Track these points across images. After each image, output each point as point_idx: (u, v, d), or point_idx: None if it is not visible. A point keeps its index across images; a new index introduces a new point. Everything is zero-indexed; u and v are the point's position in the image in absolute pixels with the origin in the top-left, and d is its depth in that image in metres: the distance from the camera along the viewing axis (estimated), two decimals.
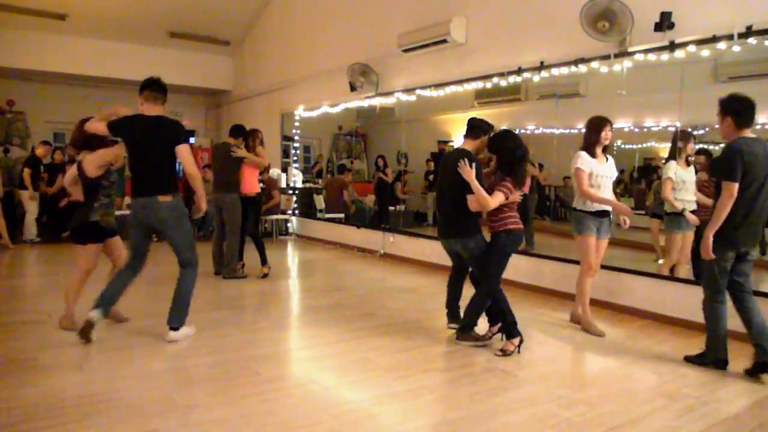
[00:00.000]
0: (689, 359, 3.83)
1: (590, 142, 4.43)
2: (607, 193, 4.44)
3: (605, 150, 4.51)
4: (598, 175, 4.39)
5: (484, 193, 3.93)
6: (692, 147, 5.08)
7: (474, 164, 3.98)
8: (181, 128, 4.02)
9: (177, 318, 4.03)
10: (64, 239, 8.80)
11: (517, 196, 4.03)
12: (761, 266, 5.17)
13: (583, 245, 4.47)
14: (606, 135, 4.40)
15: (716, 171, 3.66)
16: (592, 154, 4.41)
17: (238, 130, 6.47)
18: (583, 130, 4.50)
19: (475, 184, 3.93)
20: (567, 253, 6.18)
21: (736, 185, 3.49)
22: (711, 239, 3.56)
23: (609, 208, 4.47)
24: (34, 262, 7.40)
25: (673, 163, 5.02)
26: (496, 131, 4.26)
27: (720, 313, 3.68)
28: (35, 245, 8.37)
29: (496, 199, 3.93)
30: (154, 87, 4.01)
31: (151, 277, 6.04)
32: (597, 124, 4.42)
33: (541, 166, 7.34)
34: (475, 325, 4.23)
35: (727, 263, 3.63)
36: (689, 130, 5.21)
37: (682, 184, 4.96)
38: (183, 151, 3.94)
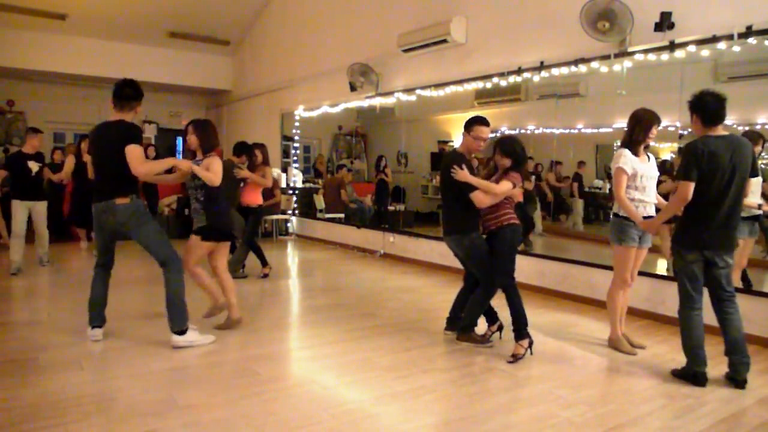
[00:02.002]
0: (675, 373, 3.65)
1: (635, 139, 3.91)
2: (651, 195, 4.01)
3: (647, 147, 4.04)
4: (643, 176, 3.92)
5: (489, 183, 3.98)
6: None
7: (464, 165, 4.02)
8: (130, 130, 3.89)
9: (175, 321, 3.93)
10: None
11: (519, 192, 4.05)
12: (761, 266, 5.18)
13: (623, 257, 4.03)
14: (654, 133, 3.92)
15: (677, 170, 3.58)
16: (635, 153, 3.92)
17: (241, 148, 6.40)
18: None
19: (475, 180, 3.96)
20: (567, 253, 6.19)
21: (691, 184, 3.39)
22: (657, 224, 3.76)
23: (652, 212, 4.00)
24: (34, 262, 7.39)
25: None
26: (502, 137, 4.27)
27: (689, 321, 3.53)
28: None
29: (504, 187, 3.96)
30: (114, 93, 3.96)
31: (148, 277, 6.04)
32: (647, 121, 3.88)
33: (539, 167, 7.34)
34: (475, 325, 4.22)
35: (691, 266, 3.50)
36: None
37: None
38: (129, 152, 3.76)
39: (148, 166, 3.94)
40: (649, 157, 4.05)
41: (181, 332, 3.92)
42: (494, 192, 3.95)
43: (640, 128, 3.90)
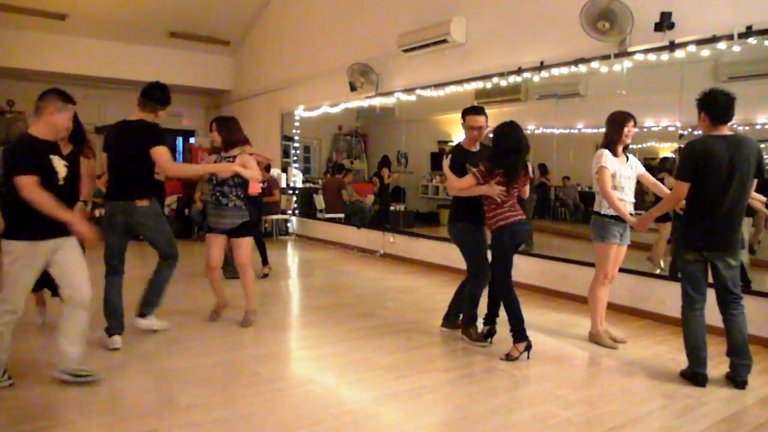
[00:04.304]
0: (682, 373, 3.63)
1: (611, 139, 4.09)
2: (629, 194, 4.14)
3: (626, 149, 4.19)
4: (621, 176, 4.08)
5: (449, 175, 4.09)
6: None
7: (450, 156, 4.19)
8: (153, 131, 3.94)
9: (151, 305, 4.20)
10: None
11: (493, 190, 3.85)
12: (760, 266, 5.18)
13: (604, 253, 4.16)
14: (629, 132, 4.07)
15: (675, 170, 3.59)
16: (614, 153, 4.08)
17: None
18: (603, 128, 4.17)
19: (446, 170, 4.13)
20: (567, 253, 6.19)
21: (685, 185, 3.41)
22: (647, 220, 3.84)
23: (631, 210, 4.11)
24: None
25: None
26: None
27: (689, 322, 3.52)
28: None
29: (462, 182, 3.95)
30: (144, 92, 4.02)
31: (146, 277, 6.03)
32: (619, 120, 4.08)
33: (544, 166, 7.34)
34: (476, 317, 4.24)
35: (690, 266, 3.49)
36: None
37: None
38: (157, 155, 3.82)
39: (178, 167, 4.17)
40: (627, 158, 4.18)
41: (146, 315, 4.17)
42: (450, 185, 4.09)
43: (614, 128, 4.09)
